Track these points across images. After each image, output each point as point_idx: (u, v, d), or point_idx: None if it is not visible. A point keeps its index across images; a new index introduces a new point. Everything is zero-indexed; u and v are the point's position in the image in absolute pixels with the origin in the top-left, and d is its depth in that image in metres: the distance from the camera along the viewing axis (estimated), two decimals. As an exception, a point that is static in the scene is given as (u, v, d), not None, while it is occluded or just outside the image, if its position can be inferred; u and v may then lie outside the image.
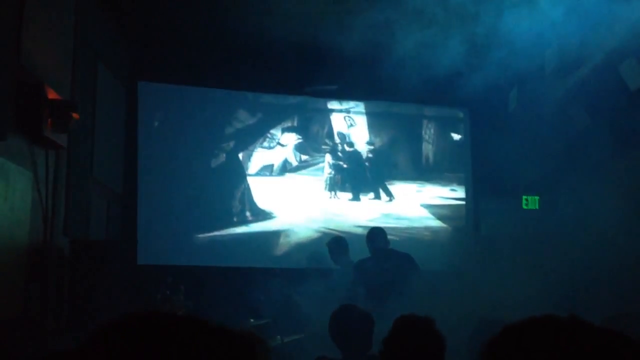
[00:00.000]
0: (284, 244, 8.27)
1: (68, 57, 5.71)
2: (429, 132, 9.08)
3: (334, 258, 7.12)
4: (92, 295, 5.41)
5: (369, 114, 8.86)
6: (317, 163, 8.60)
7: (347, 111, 8.79)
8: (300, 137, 8.61)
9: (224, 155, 8.31)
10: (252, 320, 6.91)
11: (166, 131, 8.10)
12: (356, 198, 8.64)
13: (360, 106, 8.84)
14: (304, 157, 8.58)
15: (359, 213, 8.57)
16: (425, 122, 9.09)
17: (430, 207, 8.85)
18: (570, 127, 7.24)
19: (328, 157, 8.65)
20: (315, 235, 8.33)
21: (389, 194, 8.73)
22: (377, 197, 8.72)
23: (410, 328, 3.08)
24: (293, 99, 8.66)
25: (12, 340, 3.99)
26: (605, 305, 6.21)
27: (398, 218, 8.66)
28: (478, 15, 6.46)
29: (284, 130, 8.55)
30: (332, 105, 8.79)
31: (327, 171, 8.61)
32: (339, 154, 8.68)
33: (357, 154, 8.73)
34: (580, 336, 1.11)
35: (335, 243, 7.25)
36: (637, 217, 6.69)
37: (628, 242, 6.74)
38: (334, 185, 8.61)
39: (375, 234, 7.04)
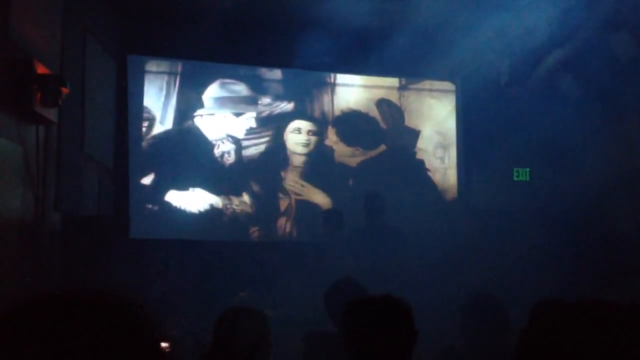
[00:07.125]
0: (281, 218, 8.27)
1: (57, 32, 5.66)
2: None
3: (327, 232, 7.07)
4: (84, 270, 5.43)
5: (358, 86, 8.79)
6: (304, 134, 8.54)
7: (335, 84, 8.73)
8: (287, 109, 8.54)
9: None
10: (241, 294, 6.93)
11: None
12: (345, 169, 8.58)
13: (349, 78, 8.76)
14: (290, 128, 8.50)
15: (348, 183, 8.54)
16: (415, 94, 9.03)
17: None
18: (562, 98, 7.25)
19: (315, 129, 8.57)
20: (312, 208, 8.29)
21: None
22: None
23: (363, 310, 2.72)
24: (280, 72, 8.58)
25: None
26: (597, 277, 6.27)
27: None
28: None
29: (271, 102, 8.48)
30: (321, 77, 8.71)
31: (314, 142, 8.54)
32: (326, 125, 8.61)
33: (345, 125, 8.66)
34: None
35: (329, 216, 7.22)
36: (626, 187, 6.74)
37: (619, 212, 6.79)
38: (323, 156, 8.55)
39: (372, 200, 7.01)
